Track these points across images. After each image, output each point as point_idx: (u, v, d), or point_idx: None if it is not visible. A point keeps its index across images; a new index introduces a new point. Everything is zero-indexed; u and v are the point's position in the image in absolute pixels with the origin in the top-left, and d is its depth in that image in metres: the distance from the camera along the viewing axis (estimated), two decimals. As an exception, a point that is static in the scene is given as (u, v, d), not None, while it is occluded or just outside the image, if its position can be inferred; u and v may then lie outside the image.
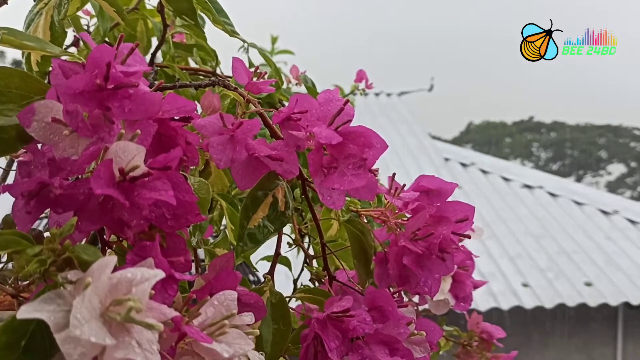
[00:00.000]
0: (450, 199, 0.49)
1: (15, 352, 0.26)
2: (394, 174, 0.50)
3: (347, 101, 0.42)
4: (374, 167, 0.43)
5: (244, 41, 0.59)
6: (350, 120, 0.42)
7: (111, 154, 0.30)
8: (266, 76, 0.57)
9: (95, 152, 0.32)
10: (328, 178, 0.42)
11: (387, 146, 0.41)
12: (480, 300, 4.06)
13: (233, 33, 0.57)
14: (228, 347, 0.29)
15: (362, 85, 1.48)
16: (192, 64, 0.90)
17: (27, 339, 0.27)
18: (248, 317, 0.32)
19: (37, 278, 0.28)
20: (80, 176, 0.33)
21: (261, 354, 0.30)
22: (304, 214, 0.76)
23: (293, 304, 0.55)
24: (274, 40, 1.56)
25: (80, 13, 0.87)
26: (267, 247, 0.75)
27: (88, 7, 0.94)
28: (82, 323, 0.23)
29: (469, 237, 0.49)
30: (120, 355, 0.24)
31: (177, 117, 0.38)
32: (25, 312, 0.24)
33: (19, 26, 0.50)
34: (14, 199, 0.34)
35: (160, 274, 0.26)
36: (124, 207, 0.30)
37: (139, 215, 0.31)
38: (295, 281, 0.81)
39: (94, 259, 0.27)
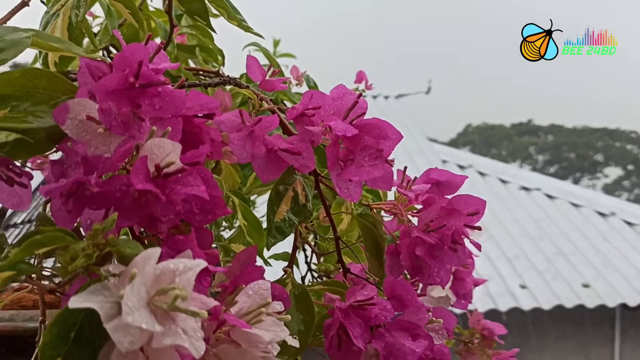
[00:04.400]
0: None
1: (66, 344, 0.27)
2: (405, 167, 0.51)
3: (360, 95, 0.44)
4: (389, 158, 0.44)
5: (259, 35, 0.60)
6: (364, 113, 0.43)
7: (146, 150, 0.31)
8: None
9: (128, 150, 0.32)
10: (345, 170, 0.43)
11: (402, 137, 0.43)
12: (478, 302, 4.06)
13: (248, 29, 0.59)
14: (267, 332, 0.30)
15: (361, 86, 1.49)
16: (192, 66, 0.90)
17: (76, 331, 0.28)
18: (278, 306, 0.33)
19: (80, 272, 0.29)
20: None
21: (295, 337, 0.31)
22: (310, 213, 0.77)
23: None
24: (276, 43, 1.57)
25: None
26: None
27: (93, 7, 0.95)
28: (133, 310, 0.24)
29: (479, 229, 0.50)
30: (169, 341, 0.25)
31: (200, 114, 0.39)
32: (76, 302, 0.25)
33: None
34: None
35: (202, 264, 0.26)
36: (159, 202, 0.31)
37: (172, 210, 0.32)
38: (302, 278, 0.82)
39: (136, 252, 0.28)
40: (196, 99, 0.37)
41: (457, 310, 0.81)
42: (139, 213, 0.31)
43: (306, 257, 0.85)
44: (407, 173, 0.52)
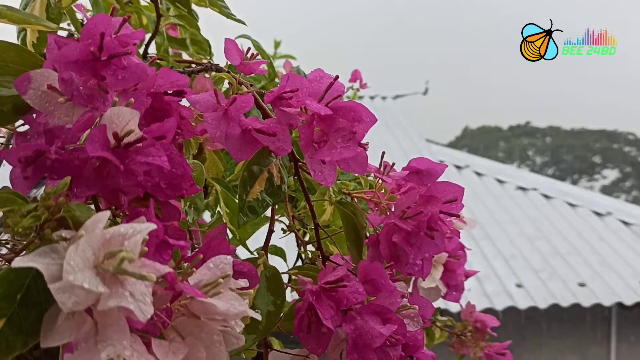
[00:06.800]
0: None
1: (12, 305, 0.27)
2: (383, 153, 0.50)
3: (337, 77, 0.43)
4: (364, 141, 0.44)
5: (240, 22, 0.60)
6: (340, 96, 0.43)
7: (105, 119, 0.31)
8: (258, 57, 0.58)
9: (89, 120, 0.32)
10: (318, 151, 0.42)
11: (376, 120, 0.42)
12: (475, 301, 4.04)
13: (229, 15, 0.58)
14: (223, 303, 0.29)
15: (356, 85, 1.49)
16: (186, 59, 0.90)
17: (22, 293, 0.27)
18: (242, 282, 0.33)
19: (33, 238, 0.29)
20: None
21: (257, 311, 0.31)
22: (297, 203, 0.77)
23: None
24: (276, 45, 1.58)
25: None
26: (260, 241, 0.76)
27: (83, 2, 0.95)
28: (76, 270, 0.24)
29: (457, 216, 0.50)
30: (114, 303, 0.24)
31: (171, 92, 0.39)
32: (21, 262, 0.25)
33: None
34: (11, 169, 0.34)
35: (151, 226, 0.26)
36: (119, 171, 0.31)
37: (133, 181, 0.32)
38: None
39: (88, 216, 0.28)
40: (166, 76, 0.37)
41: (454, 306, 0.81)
42: (101, 184, 0.31)
43: (299, 249, 0.84)
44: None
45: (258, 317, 0.30)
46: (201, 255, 0.31)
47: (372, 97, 7.93)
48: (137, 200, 0.33)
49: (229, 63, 0.72)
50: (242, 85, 0.50)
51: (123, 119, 0.30)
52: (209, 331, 0.29)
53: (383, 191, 0.52)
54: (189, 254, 0.37)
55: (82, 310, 0.24)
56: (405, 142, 6.63)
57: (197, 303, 0.29)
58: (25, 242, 0.29)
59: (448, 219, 0.49)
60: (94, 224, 0.26)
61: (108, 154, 0.29)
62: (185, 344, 0.29)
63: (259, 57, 0.54)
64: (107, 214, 0.26)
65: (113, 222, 0.35)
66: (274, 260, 0.58)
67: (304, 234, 0.78)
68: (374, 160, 0.50)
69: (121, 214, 0.35)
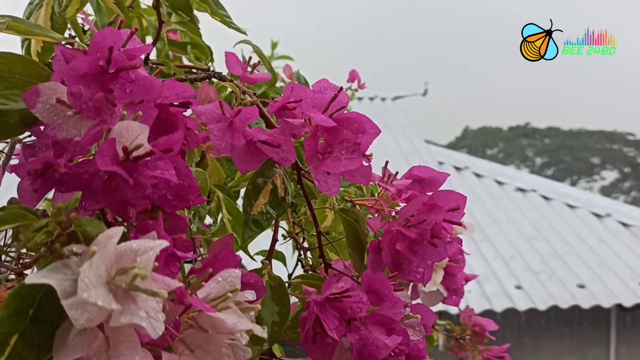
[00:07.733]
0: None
1: (24, 320, 0.27)
2: (386, 162, 0.51)
3: (342, 88, 0.44)
4: (367, 152, 0.44)
5: (241, 31, 0.60)
6: (344, 107, 0.43)
7: (115, 133, 0.31)
8: (259, 67, 0.58)
9: (98, 133, 0.32)
10: (323, 163, 0.43)
11: (380, 131, 0.43)
12: (474, 303, 4.06)
13: (230, 25, 0.58)
14: (230, 316, 0.29)
15: (354, 85, 1.49)
16: (186, 64, 0.90)
17: (34, 308, 0.27)
18: (250, 294, 0.33)
19: (43, 253, 0.29)
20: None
21: (263, 327, 0.31)
22: (297, 209, 0.77)
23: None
24: (273, 45, 1.58)
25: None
26: (261, 244, 0.76)
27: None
28: (90, 287, 0.24)
29: (460, 224, 0.50)
30: (126, 320, 0.24)
31: (177, 103, 0.39)
32: (34, 278, 0.25)
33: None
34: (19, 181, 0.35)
35: (164, 243, 0.26)
36: (128, 185, 0.31)
37: (141, 194, 0.32)
38: (289, 276, 0.82)
39: (99, 231, 0.28)
40: (172, 88, 0.37)
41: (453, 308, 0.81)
42: (109, 196, 0.31)
43: (300, 254, 0.84)
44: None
45: (264, 334, 0.31)
46: (210, 269, 0.32)
47: (371, 99, 7.94)
48: (145, 212, 0.34)
49: (231, 68, 0.72)
50: (246, 95, 0.50)
51: (132, 132, 0.30)
52: (217, 344, 0.30)
53: (385, 198, 0.52)
54: (195, 264, 0.38)
55: (94, 326, 0.25)
56: (405, 143, 6.63)
57: (206, 317, 0.29)
58: (35, 256, 0.29)
59: (449, 226, 0.50)
60: (107, 239, 0.26)
61: (118, 168, 0.30)
62: (195, 357, 0.29)
63: (261, 65, 0.54)
64: (120, 229, 0.26)
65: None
66: (274, 265, 0.59)
67: (303, 239, 0.78)
68: (374, 162, 0.51)
69: (127, 224, 0.35)
